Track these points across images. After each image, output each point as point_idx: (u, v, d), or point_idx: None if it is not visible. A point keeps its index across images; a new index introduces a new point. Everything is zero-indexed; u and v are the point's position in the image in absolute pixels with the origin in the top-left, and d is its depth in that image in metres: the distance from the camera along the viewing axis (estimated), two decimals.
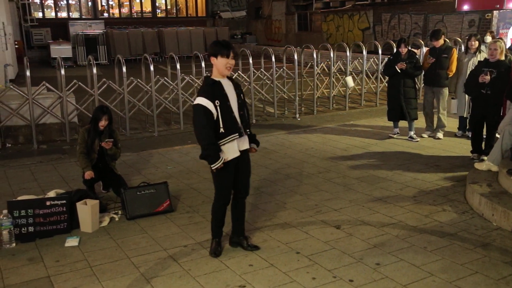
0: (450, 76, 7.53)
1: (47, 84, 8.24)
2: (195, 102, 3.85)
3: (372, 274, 3.81)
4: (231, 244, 4.31)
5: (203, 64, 8.94)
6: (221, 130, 3.85)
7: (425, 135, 7.97)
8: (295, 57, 10.05)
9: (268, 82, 10.24)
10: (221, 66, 3.84)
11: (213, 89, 3.84)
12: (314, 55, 10.33)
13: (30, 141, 7.96)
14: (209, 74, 4.01)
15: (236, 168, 4.03)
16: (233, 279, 3.77)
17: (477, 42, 7.36)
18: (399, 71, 7.43)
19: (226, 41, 3.95)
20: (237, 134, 3.92)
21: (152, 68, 8.64)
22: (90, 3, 26.71)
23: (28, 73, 7.80)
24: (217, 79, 3.90)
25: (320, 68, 10.99)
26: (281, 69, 10.39)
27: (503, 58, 6.46)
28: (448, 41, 8.08)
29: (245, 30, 28.84)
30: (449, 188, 5.69)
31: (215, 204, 4.12)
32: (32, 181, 6.21)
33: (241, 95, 4.01)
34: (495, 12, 12.87)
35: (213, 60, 3.86)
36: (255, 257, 4.10)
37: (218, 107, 3.82)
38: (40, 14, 25.63)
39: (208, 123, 3.81)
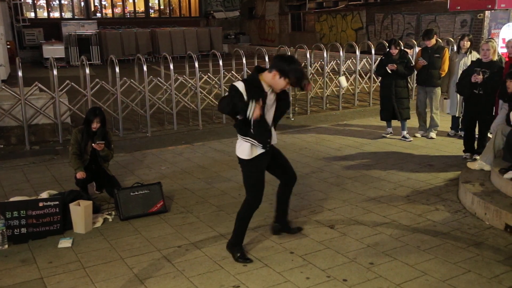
0: (442, 75, 7.57)
1: (40, 85, 8.19)
2: (231, 84, 3.77)
3: (366, 273, 3.82)
4: (274, 232, 4.36)
5: (196, 65, 8.93)
6: (251, 130, 3.80)
7: (418, 135, 8.00)
8: None
9: None
10: (279, 86, 3.73)
11: (258, 94, 3.72)
12: (308, 55, 10.35)
13: (23, 142, 7.91)
14: (260, 66, 3.88)
15: (272, 163, 4.04)
16: (227, 280, 3.77)
17: (469, 42, 7.40)
18: (389, 71, 7.47)
19: (301, 70, 3.75)
20: (261, 145, 3.86)
21: (145, 68, 8.62)
22: (82, 3, 26.58)
23: (20, 74, 7.75)
24: (266, 90, 3.76)
25: (314, 68, 11.01)
26: None
27: (495, 58, 6.50)
28: (440, 41, 8.12)
29: (239, 30, 28.83)
30: (442, 187, 5.71)
31: (247, 208, 4.00)
32: (24, 182, 6.17)
33: (283, 108, 3.93)
34: (487, 12, 12.94)
35: (276, 75, 3.68)
36: (249, 257, 4.10)
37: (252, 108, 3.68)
38: (32, 14, 25.48)
39: (237, 101, 3.65)
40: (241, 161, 3.94)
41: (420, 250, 4.18)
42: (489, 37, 12.14)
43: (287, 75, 3.67)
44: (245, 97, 3.66)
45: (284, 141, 7.95)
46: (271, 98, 3.83)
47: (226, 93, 3.82)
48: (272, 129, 3.98)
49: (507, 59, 6.73)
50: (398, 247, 4.23)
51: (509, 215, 4.49)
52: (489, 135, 6.40)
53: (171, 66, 8.81)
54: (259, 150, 3.88)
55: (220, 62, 9.13)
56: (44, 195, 5.02)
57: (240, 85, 3.71)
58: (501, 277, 3.74)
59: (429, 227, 4.65)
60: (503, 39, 10.11)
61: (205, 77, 9.57)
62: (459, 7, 13.36)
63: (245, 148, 3.87)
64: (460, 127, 7.88)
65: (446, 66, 7.49)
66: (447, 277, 3.74)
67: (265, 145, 3.87)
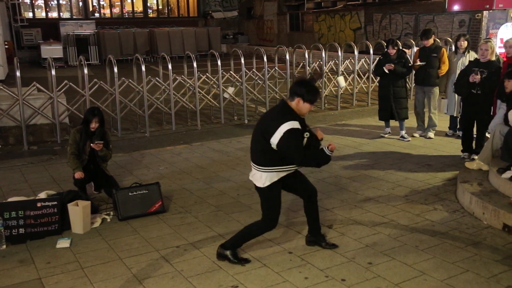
0: (441, 75, 7.55)
1: (38, 85, 8.18)
2: (287, 128, 3.68)
3: (364, 273, 3.82)
4: (308, 243, 4.30)
5: (194, 64, 8.93)
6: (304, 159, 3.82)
7: (416, 135, 8.01)
8: (287, 57, 10.06)
9: (260, 82, 10.24)
10: (304, 110, 3.81)
11: (301, 124, 3.82)
12: (306, 55, 10.35)
13: (21, 142, 7.90)
14: (286, 102, 3.87)
15: (291, 182, 4.03)
16: (226, 280, 3.77)
17: (466, 42, 7.41)
18: (386, 71, 7.48)
19: (315, 88, 3.86)
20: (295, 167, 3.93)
21: (143, 68, 8.61)
22: (81, 3, 26.53)
23: (18, 74, 7.74)
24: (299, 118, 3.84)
25: (312, 68, 11.01)
26: (273, 69, 10.40)
27: (493, 58, 6.51)
28: (438, 40, 8.13)
29: (237, 30, 28.80)
30: (440, 187, 5.72)
31: (261, 227, 4.01)
32: (22, 182, 6.16)
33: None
34: (485, 12, 12.96)
35: (299, 101, 3.77)
36: (248, 257, 4.10)
37: (305, 139, 3.83)
38: (30, 14, 25.41)
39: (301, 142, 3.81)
40: (258, 188, 3.95)
41: (419, 249, 4.19)
42: (487, 37, 12.15)
43: (305, 99, 3.77)
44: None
45: None
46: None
47: (290, 140, 3.72)
48: None
49: (505, 59, 6.75)
50: (397, 247, 4.24)
51: (507, 215, 4.50)
52: (487, 134, 6.40)
53: (170, 66, 8.80)
54: (277, 177, 3.88)
55: (219, 62, 9.12)
56: (42, 195, 5.01)
57: (296, 124, 3.75)
58: (499, 276, 3.75)
59: (428, 226, 4.65)
60: (501, 39, 10.14)
61: (204, 77, 9.57)
62: (457, 7, 13.39)
63: (264, 177, 3.87)
64: (458, 127, 7.89)
65: (445, 67, 7.48)
66: (445, 276, 3.75)
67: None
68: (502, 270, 3.83)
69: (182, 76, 9.54)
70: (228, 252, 3.99)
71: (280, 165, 3.84)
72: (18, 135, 7.98)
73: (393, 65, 7.43)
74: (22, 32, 23.16)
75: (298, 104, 3.78)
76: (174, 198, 5.55)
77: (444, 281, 3.69)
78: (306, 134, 3.84)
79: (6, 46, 17.77)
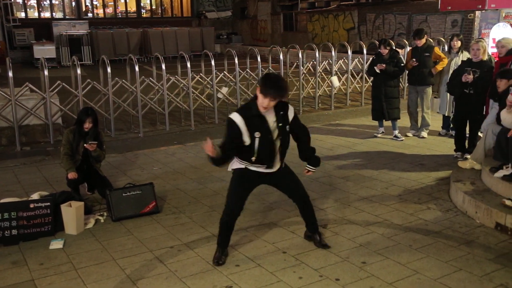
0: (438, 71, 7.52)
1: (30, 85, 8.13)
2: (228, 117, 3.73)
3: (358, 272, 3.83)
4: (305, 237, 4.36)
5: (188, 65, 8.91)
6: (253, 158, 3.78)
7: (409, 134, 8.04)
8: (281, 57, 10.07)
9: (254, 82, 10.24)
10: (262, 103, 3.64)
11: (255, 120, 3.70)
12: (300, 55, 10.36)
13: (13, 143, 7.85)
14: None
15: (278, 186, 4.05)
16: (220, 280, 3.76)
17: (459, 42, 7.44)
18: (378, 71, 7.50)
19: (280, 83, 3.64)
20: (265, 166, 3.86)
21: (137, 68, 8.59)
22: (74, 3, 26.39)
23: (10, 74, 7.69)
24: (262, 112, 3.70)
25: (306, 68, 11.02)
26: (267, 69, 10.39)
27: (485, 58, 6.55)
28: (431, 40, 8.17)
29: (231, 30, 28.77)
30: (434, 186, 5.75)
31: (222, 216, 4.03)
32: (15, 183, 6.13)
33: (286, 125, 3.79)
34: (478, 12, 13.03)
35: (257, 90, 3.66)
36: (242, 257, 4.10)
37: (257, 139, 3.70)
38: (22, 14, 25.25)
39: (232, 141, 3.71)
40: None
41: (412, 249, 4.20)
42: (480, 37, 12.22)
43: (263, 91, 3.60)
44: (244, 134, 3.69)
45: None
46: (270, 115, 3.75)
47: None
48: (279, 156, 3.90)
49: (496, 59, 6.79)
50: (390, 246, 4.25)
51: (499, 214, 4.52)
52: (479, 134, 6.44)
53: (163, 66, 8.78)
54: (239, 165, 3.88)
55: (212, 62, 9.11)
56: (35, 196, 4.98)
57: (235, 117, 3.68)
58: (491, 275, 3.77)
59: (421, 226, 4.67)
60: (493, 39, 10.20)
61: (197, 77, 9.55)
62: (449, 7, 13.46)
63: (232, 162, 3.93)
64: (451, 126, 7.93)
65: (445, 60, 7.46)
66: (439, 275, 3.76)
67: (269, 164, 3.86)
68: (495, 269, 3.85)
69: (176, 76, 9.52)
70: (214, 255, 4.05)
71: (238, 156, 3.86)
72: (11, 136, 7.93)
73: (384, 65, 7.46)
74: (15, 32, 23.02)
75: (259, 97, 3.66)
76: (168, 198, 5.54)
77: (438, 280, 3.70)
78: (257, 134, 3.68)
79: None
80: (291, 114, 3.89)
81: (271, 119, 3.77)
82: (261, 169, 3.90)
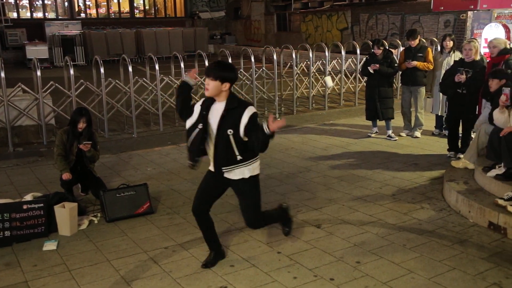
0: (430, 69, 7.54)
1: (23, 86, 8.09)
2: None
3: (353, 272, 3.84)
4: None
5: (182, 65, 8.90)
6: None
7: (403, 134, 8.07)
8: (275, 57, 10.07)
9: (247, 82, 10.25)
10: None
11: (204, 104, 3.66)
12: (293, 55, 10.37)
13: (6, 144, 7.80)
14: None
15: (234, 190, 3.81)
16: (215, 280, 3.76)
17: (451, 42, 7.48)
18: (371, 71, 7.53)
19: (214, 63, 3.65)
20: (190, 162, 3.77)
21: (130, 69, 8.56)
22: (66, 3, 26.28)
23: (3, 75, 7.64)
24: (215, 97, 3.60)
25: (300, 68, 11.04)
26: (261, 69, 10.41)
27: (478, 58, 6.58)
28: (424, 40, 8.20)
29: (224, 31, 28.77)
30: (427, 186, 5.77)
31: None
32: (8, 185, 6.09)
33: (229, 128, 3.53)
34: (470, 13, 13.11)
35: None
36: (236, 257, 4.10)
37: (197, 129, 3.67)
38: (15, 15, 25.11)
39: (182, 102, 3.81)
40: None
41: (406, 248, 4.22)
42: (472, 37, 12.29)
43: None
44: (195, 111, 3.71)
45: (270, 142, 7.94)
46: (219, 108, 3.61)
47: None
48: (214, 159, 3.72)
49: (489, 59, 6.83)
50: (384, 246, 4.27)
51: (492, 213, 4.55)
52: (472, 134, 6.48)
53: (157, 67, 8.76)
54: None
55: (206, 63, 9.10)
56: (28, 197, 4.95)
57: (197, 103, 3.75)
58: (485, 274, 3.79)
59: (415, 225, 4.69)
60: (486, 39, 10.25)
61: None
62: (442, 8, 13.54)
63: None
64: (444, 126, 7.96)
65: (430, 66, 7.52)
66: (432, 274, 3.78)
67: (194, 161, 3.76)
68: (488, 268, 3.88)
69: (170, 76, 9.51)
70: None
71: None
72: (3, 137, 7.87)
73: (378, 65, 7.48)
74: (7, 32, 22.88)
75: None
76: (162, 199, 5.53)
77: (431, 279, 3.72)
78: (200, 125, 3.63)
79: None
80: (245, 118, 3.56)
81: (216, 115, 3.59)
82: (212, 168, 3.81)
